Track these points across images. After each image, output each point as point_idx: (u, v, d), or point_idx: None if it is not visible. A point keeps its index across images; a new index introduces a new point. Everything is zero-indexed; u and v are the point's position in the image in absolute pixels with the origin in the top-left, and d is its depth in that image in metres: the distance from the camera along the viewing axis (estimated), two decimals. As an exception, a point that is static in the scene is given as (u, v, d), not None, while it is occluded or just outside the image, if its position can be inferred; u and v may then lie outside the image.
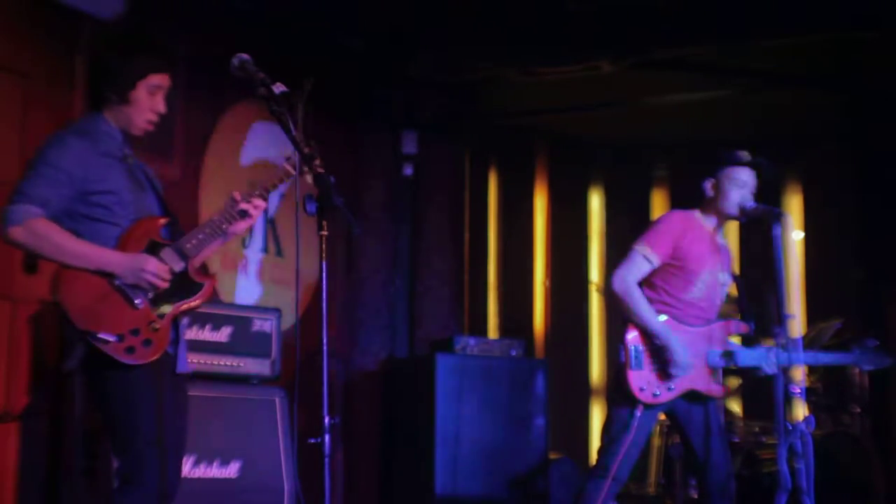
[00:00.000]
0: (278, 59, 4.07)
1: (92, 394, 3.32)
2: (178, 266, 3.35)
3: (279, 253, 6.20)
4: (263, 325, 5.11)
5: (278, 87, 3.26)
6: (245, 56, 3.31)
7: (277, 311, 5.24)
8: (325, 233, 3.27)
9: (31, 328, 4.63)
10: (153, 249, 3.32)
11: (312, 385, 3.28)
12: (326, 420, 3.18)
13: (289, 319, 5.45)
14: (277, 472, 4.90)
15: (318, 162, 3.31)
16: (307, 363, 3.56)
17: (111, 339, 3.17)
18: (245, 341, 5.01)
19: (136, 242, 3.31)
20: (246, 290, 5.94)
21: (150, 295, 3.28)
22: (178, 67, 3.52)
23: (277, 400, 5.00)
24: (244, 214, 3.48)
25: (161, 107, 3.42)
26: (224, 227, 3.45)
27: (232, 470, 4.74)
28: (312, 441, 3.18)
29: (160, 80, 3.39)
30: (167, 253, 3.34)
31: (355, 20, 6.46)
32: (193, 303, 3.39)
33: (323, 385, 3.19)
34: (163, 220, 3.39)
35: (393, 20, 6.53)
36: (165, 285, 3.29)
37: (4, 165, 4.57)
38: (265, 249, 6.11)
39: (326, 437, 3.18)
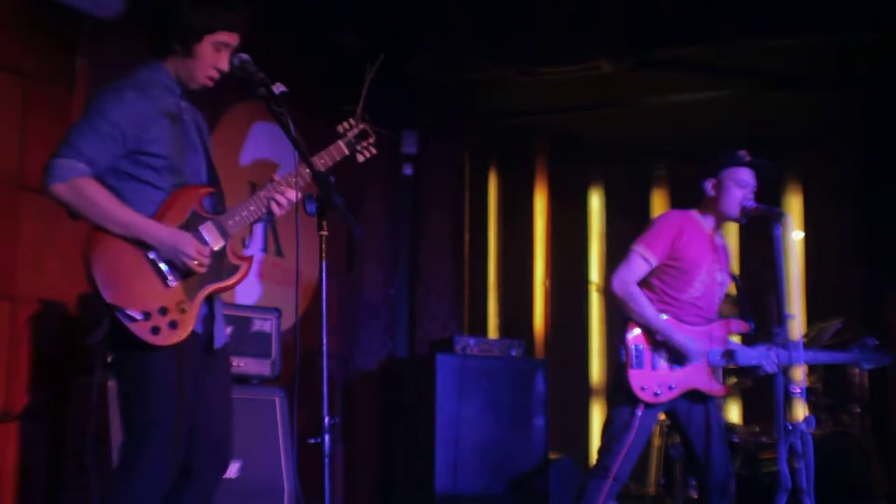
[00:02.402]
0: (278, 58, 4.07)
1: (113, 369, 3.21)
2: (218, 244, 3.23)
3: (279, 253, 6.20)
4: (263, 325, 5.11)
5: (278, 88, 3.25)
6: (245, 56, 3.30)
7: (277, 311, 5.24)
8: (325, 233, 3.25)
9: (31, 328, 4.62)
10: (194, 221, 3.19)
11: (312, 385, 3.27)
12: (326, 420, 3.17)
13: (289, 319, 5.45)
14: (277, 472, 4.90)
15: (372, 139, 3.49)
16: (307, 363, 3.55)
17: (138, 316, 3.05)
18: (245, 341, 5.01)
19: (177, 212, 3.17)
20: (246, 289, 5.93)
21: (183, 273, 3.15)
22: (246, 27, 3.33)
23: (277, 400, 5.00)
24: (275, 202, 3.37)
25: (224, 65, 3.28)
26: (266, 208, 3.34)
27: (232, 470, 4.73)
28: (312, 441, 3.17)
29: (228, 37, 3.26)
30: (208, 227, 3.22)
31: (354, 19, 6.46)
32: (227, 283, 3.28)
33: (323, 385, 3.18)
34: (205, 190, 3.26)
35: (392, 20, 6.53)
36: (203, 270, 3.17)
37: (4, 165, 4.57)
38: (265, 249, 6.11)
39: (326, 437, 3.17)
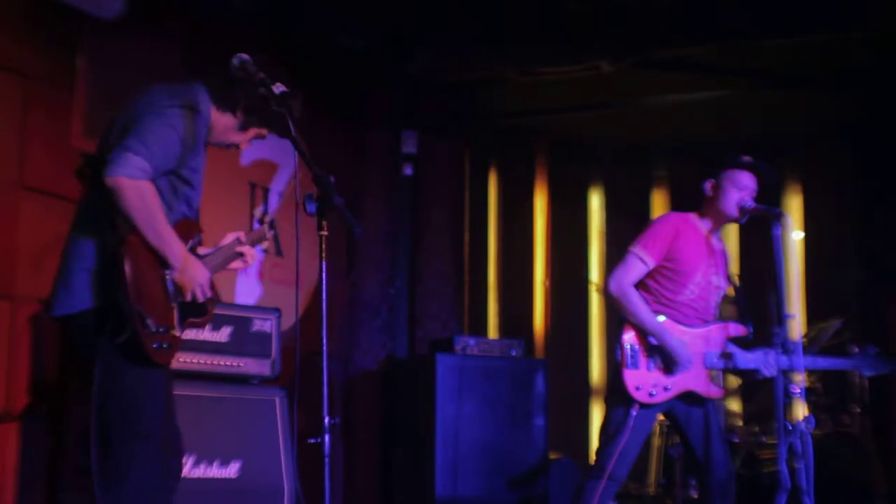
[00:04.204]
0: (278, 59, 4.07)
1: (98, 377, 3.18)
2: None
3: (279, 253, 6.21)
4: (263, 325, 5.11)
5: (278, 88, 3.26)
6: (245, 56, 3.31)
7: (277, 311, 5.24)
8: (325, 233, 3.28)
9: (31, 328, 4.62)
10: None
11: (312, 385, 3.28)
12: (326, 420, 3.18)
13: (289, 319, 5.45)
14: (277, 472, 4.90)
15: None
16: (307, 363, 3.56)
17: (154, 328, 3.14)
18: (245, 341, 5.01)
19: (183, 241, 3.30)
20: (246, 290, 5.94)
21: (180, 301, 3.27)
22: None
23: (277, 400, 5.00)
24: (240, 256, 3.57)
25: (246, 146, 3.53)
26: (229, 261, 3.55)
27: (232, 470, 4.74)
28: (312, 441, 3.18)
29: (266, 133, 3.49)
30: None
31: (355, 20, 6.46)
32: (201, 320, 3.43)
33: (323, 385, 3.19)
34: (198, 229, 3.42)
35: (393, 20, 6.53)
36: (202, 300, 3.31)
37: (4, 165, 4.57)
38: (265, 249, 6.10)
39: (326, 437, 3.18)
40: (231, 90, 3.35)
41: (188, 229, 3.34)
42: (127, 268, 3.08)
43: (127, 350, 3.13)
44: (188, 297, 3.26)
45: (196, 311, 3.36)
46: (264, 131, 3.47)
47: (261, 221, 3.68)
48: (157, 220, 3.13)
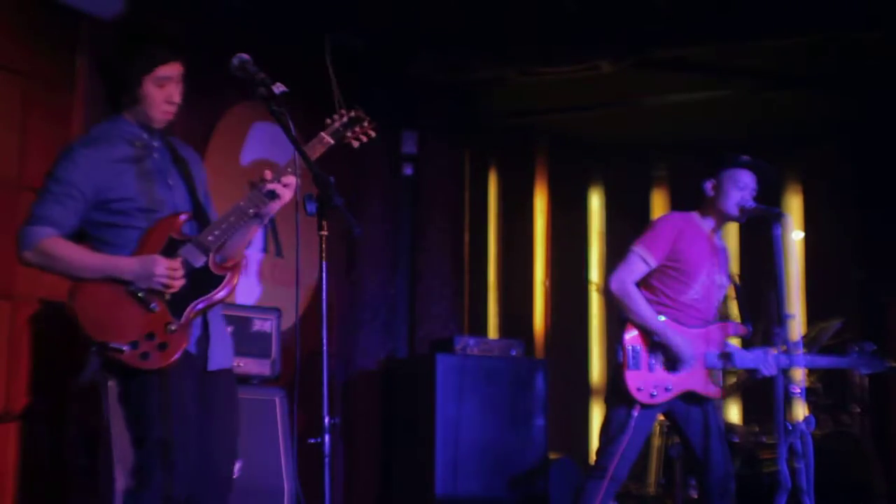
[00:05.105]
0: (278, 59, 4.07)
1: (104, 397, 3.33)
2: (199, 261, 3.28)
3: (279, 253, 6.18)
4: (263, 325, 5.11)
5: (278, 88, 3.25)
6: (245, 56, 3.30)
7: (277, 311, 5.24)
8: (325, 233, 3.27)
9: (31, 328, 4.63)
10: (172, 247, 3.26)
11: (312, 385, 3.28)
12: (326, 420, 3.18)
13: (289, 319, 5.45)
14: (277, 472, 4.90)
15: (366, 123, 3.49)
16: (307, 363, 3.55)
17: (124, 348, 3.15)
18: (245, 341, 5.01)
19: (154, 242, 3.26)
20: (246, 290, 5.93)
21: (167, 296, 3.22)
22: (182, 53, 3.39)
23: (277, 400, 5.00)
24: (273, 195, 3.38)
25: (174, 96, 3.34)
26: (251, 211, 3.37)
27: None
28: (312, 441, 3.18)
29: (166, 70, 3.31)
30: (188, 249, 3.27)
31: (355, 20, 6.46)
32: (216, 296, 3.31)
33: (323, 385, 3.18)
34: (183, 217, 3.32)
35: (393, 20, 6.53)
36: (179, 283, 3.23)
37: (4, 165, 4.58)
38: (265, 249, 6.11)
39: (326, 437, 3.17)
40: (115, 92, 3.35)
41: (163, 226, 3.29)
42: (79, 312, 3.18)
43: (123, 370, 3.19)
44: (164, 292, 3.22)
45: (201, 290, 3.29)
46: (162, 69, 3.30)
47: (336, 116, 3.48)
48: (74, 260, 3.21)
